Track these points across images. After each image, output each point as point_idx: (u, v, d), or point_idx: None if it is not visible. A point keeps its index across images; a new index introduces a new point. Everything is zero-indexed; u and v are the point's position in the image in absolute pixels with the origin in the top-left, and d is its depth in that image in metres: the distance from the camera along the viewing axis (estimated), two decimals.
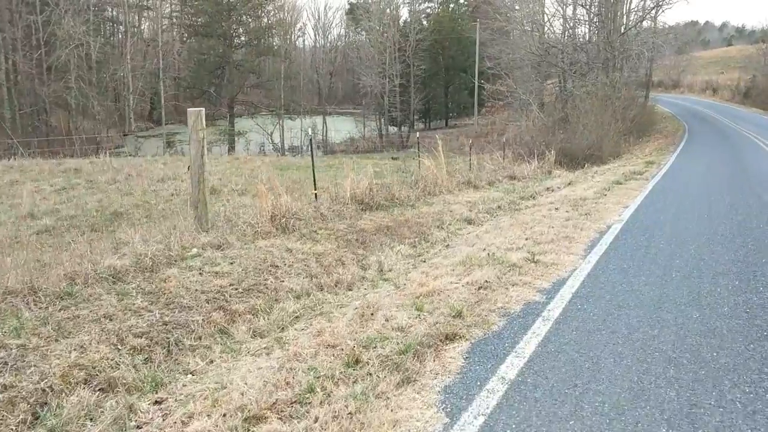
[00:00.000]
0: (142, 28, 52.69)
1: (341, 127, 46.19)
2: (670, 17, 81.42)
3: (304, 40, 63.29)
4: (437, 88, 48.33)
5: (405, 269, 5.76)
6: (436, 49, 46.56)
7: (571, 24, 27.08)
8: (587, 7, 25.84)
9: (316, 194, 8.17)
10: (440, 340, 3.52)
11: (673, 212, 7.84)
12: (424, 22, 49.61)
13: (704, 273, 4.83)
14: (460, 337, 3.54)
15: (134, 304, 4.34)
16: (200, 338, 4.11)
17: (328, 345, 3.73)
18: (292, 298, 4.88)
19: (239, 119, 45.35)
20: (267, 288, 4.99)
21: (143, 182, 12.32)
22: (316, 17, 60.62)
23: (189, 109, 6.41)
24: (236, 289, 4.87)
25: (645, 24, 27.35)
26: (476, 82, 35.66)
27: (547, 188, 10.78)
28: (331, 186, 8.85)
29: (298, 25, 58.02)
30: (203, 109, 6.47)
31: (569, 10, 26.90)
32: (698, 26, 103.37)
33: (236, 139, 41.39)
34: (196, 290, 4.69)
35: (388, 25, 43.68)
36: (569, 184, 11.34)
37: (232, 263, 5.34)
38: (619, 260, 5.26)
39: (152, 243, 5.46)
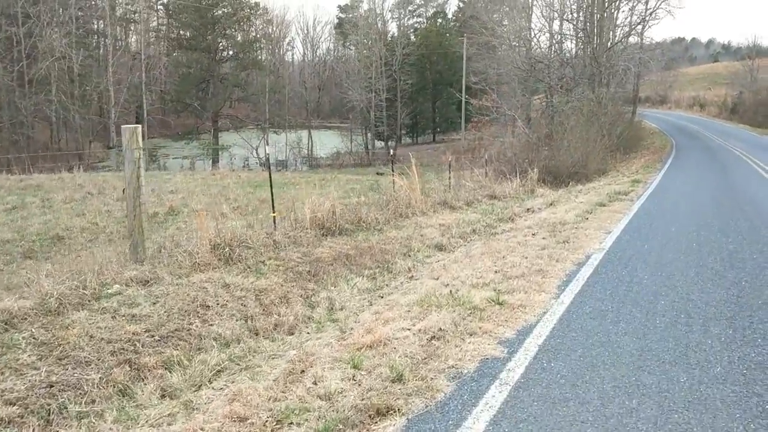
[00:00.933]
0: (129, 41, 52.11)
1: (328, 142, 45.60)
2: (656, 33, 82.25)
3: (292, 54, 62.95)
4: (424, 102, 48.05)
5: (358, 307, 5.10)
6: (423, 64, 46.31)
7: (558, 39, 26.81)
8: (573, 22, 25.58)
9: (275, 218, 7.51)
10: (370, 416, 2.85)
11: (659, 239, 7.24)
12: (412, 37, 49.44)
13: (693, 318, 4.19)
14: (396, 411, 2.87)
15: (18, 359, 3.64)
16: (93, 402, 3.42)
17: (238, 417, 3.05)
18: (218, 347, 4.19)
19: (224, 133, 44.74)
20: (190, 334, 4.30)
21: (101, 201, 11.59)
22: (305, 31, 60.07)
23: (123, 126, 5.76)
24: (152, 336, 4.17)
25: (632, 40, 27.16)
26: (463, 97, 35.28)
27: (527, 209, 10.18)
28: (298, 207, 8.15)
29: (287, 39, 57.63)
30: (140, 126, 5.84)
31: (555, 25, 26.65)
32: (685, 42, 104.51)
33: (220, 153, 40.73)
34: (102, 339, 4.00)
35: (375, 40, 43.37)
36: (551, 204, 10.75)
37: (155, 303, 4.64)
38: (596, 301, 4.62)
39: (64, 279, 4.76)
